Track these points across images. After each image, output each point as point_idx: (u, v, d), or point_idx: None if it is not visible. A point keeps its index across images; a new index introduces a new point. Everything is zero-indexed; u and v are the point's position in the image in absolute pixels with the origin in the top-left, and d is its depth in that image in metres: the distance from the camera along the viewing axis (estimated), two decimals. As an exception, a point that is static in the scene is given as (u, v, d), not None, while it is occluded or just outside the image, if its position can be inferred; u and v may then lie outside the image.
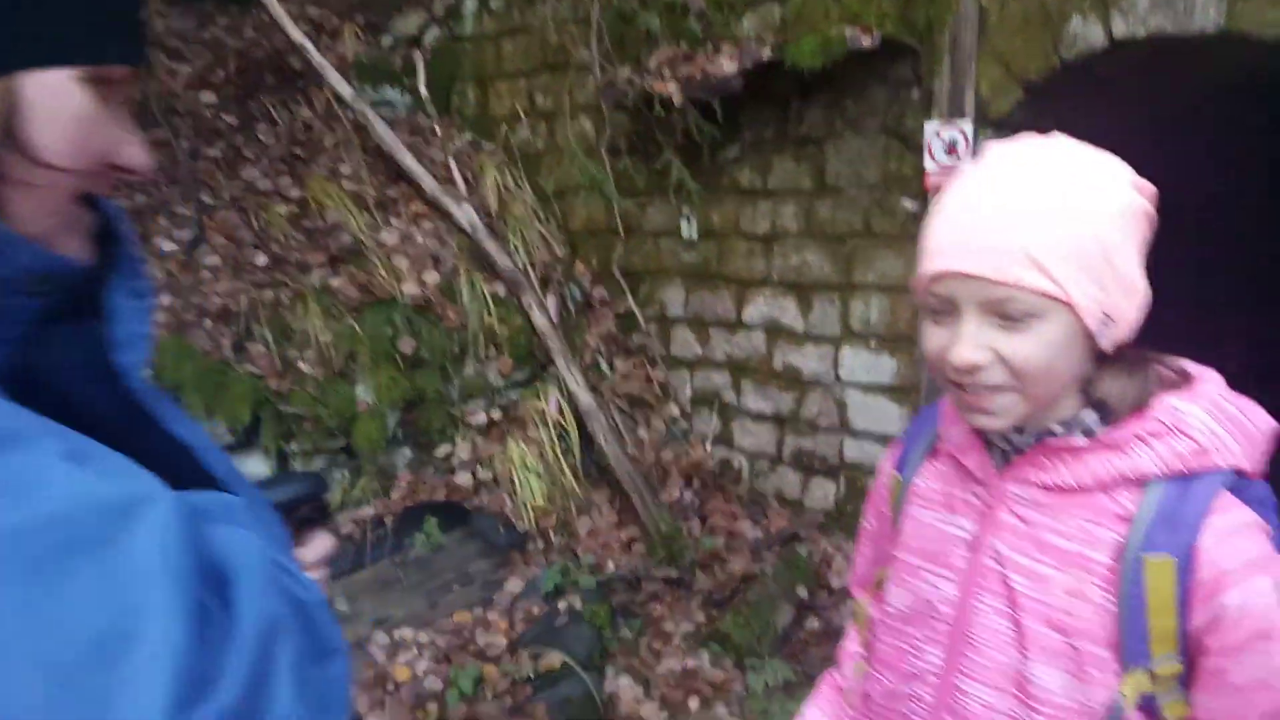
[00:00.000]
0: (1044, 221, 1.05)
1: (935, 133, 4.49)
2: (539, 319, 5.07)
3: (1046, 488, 1.18)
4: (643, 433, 5.38)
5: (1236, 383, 1.23)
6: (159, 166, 5.13)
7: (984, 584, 1.22)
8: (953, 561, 1.27)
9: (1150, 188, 1.15)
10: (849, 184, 4.88)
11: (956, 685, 1.23)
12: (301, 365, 4.67)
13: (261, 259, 5.02)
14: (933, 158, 4.53)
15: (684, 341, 5.70)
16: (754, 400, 5.47)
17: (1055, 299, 1.05)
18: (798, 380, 5.27)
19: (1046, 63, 4.24)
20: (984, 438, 1.26)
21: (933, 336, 1.17)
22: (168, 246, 4.90)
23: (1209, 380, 1.18)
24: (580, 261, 5.93)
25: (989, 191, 1.11)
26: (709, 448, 5.59)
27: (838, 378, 5.12)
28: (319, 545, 1.06)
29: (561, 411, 5.05)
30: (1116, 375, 1.15)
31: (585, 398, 4.96)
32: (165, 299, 4.62)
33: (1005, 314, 1.08)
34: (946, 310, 1.14)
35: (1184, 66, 5.02)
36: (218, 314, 4.68)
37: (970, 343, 1.10)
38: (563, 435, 5.06)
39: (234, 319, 4.70)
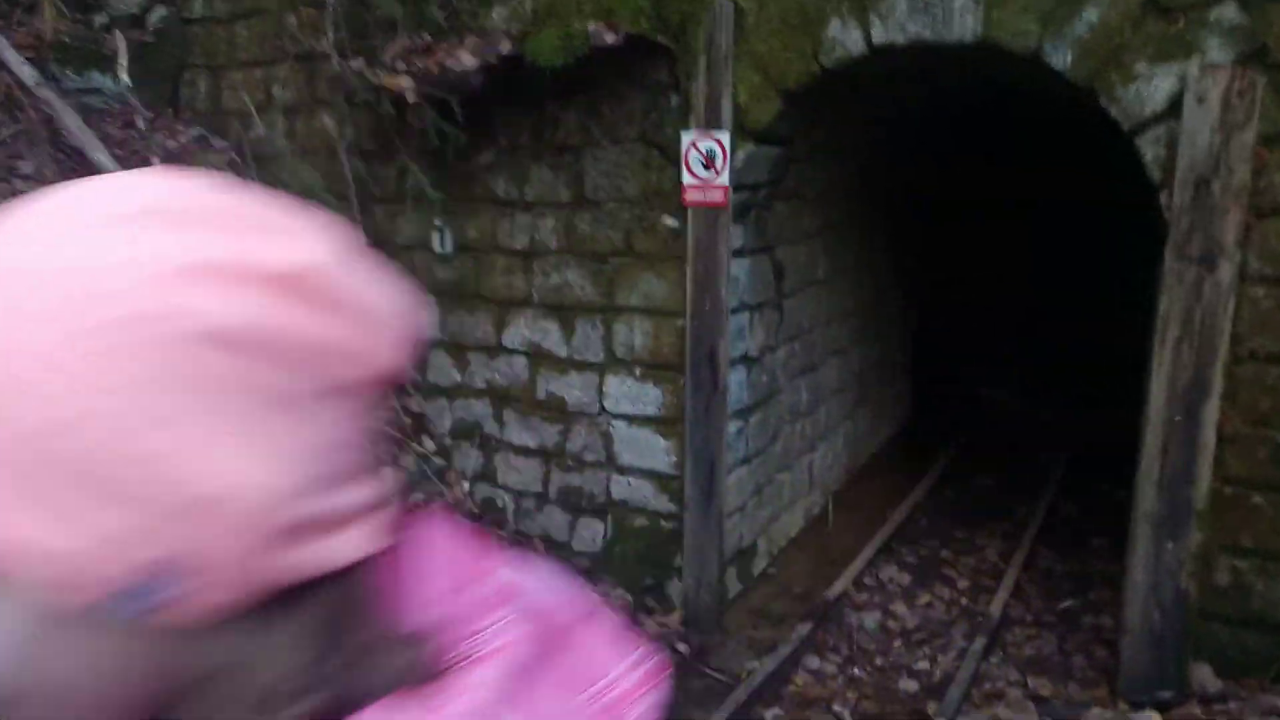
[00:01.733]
0: None
1: (692, 144, 4.09)
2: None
3: None
4: (391, 472, 4.75)
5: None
6: None
7: None
8: None
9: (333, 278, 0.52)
10: (608, 197, 4.43)
11: None
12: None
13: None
14: (690, 171, 4.12)
15: (441, 367, 5.11)
16: (518, 432, 4.94)
17: None
18: (563, 410, 4.78)
19: (806, 69, 3.90)
20: None
21: None
22: None
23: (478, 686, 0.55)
24: (327, 277, 5.24)
25: None
26: (468, 486, 5.03)
27: (603, 408, 4.66)
28: None
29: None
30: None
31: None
32: None
33: None
34: None
35: (950, 75, 4.82)
36: None
37: None
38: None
39: None
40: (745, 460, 4.75)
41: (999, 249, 8.46)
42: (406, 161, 4.52)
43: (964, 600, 4.80)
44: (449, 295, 4.99)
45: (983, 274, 8.56)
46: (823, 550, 5.46)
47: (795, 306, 5.21)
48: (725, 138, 4.01)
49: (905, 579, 5.02)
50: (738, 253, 4.41)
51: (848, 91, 4.39)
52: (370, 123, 4.86)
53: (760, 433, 4.89)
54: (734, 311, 4.42)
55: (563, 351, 4.71)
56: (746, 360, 4.65)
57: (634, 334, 4.49)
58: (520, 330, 4.81)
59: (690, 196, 4.14)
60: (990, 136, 7.97)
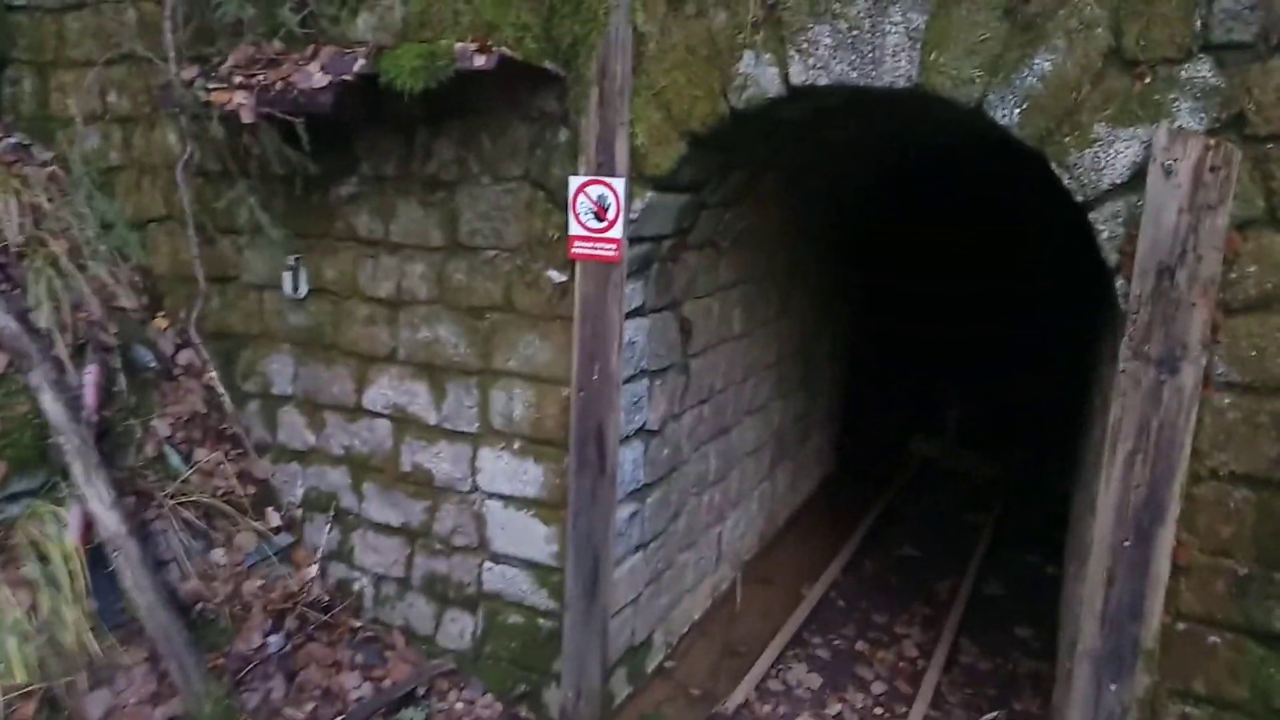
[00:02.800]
0: None
1: (581, 189, 3.48)
2: (50, 405, 3.63)
3: None
4: (221, 554, 4.04)
5: None
6: None
7: None
8: None
9: None
10: (487, 243, 3.79)
11: None
12: None
13: None
14: (579, 221, 3.51)
15: (293, 427, 4.41)
16: (379, 507, 4.26)
17: None
18: (430, 485, 4.12)
19: (714, 109, 3.33)
20: None
21: None
22: None
23: None
24: (165, 317, 4.50)
25: None
26: (320, 567, 4.33)
27: (476, 485, 4.01)
28: None
29: (90, 536, 3.63)
30: None
31: (110, 518, 3.57)
32: None
33: None
34: None
35: (886, 119, 4.31)
36: None
37: None
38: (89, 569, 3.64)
39: None
40: (640, 547, 4.15)
41: (936, 296, 8.04)
42: (243, 191, 3.81)
43: (878, 711, 4.26)
44: (303, 344, 4.29)
45: (918, 321, 8.12)
46: (728, 638, 4.88)
47: (705, 366, 4.63)
48: (619, 185, 3.41)
49: (815, 681, 4.46)
50: (635, 312, 3.81)
51: (765, 134, 3.84)
52: (217, 140, 4.14)
53: (659, 512, 4.29)
54: (629, 380, 3.82)
55: (431, 418, 4.05)
56: (644, 434, 4.05)
57: (513, 402, 3.86)
58: (383, 390, 4.13)
59: (578, 249, 3.53)
60: (934, 181, 7.56)
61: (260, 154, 3.67)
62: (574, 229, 3.52)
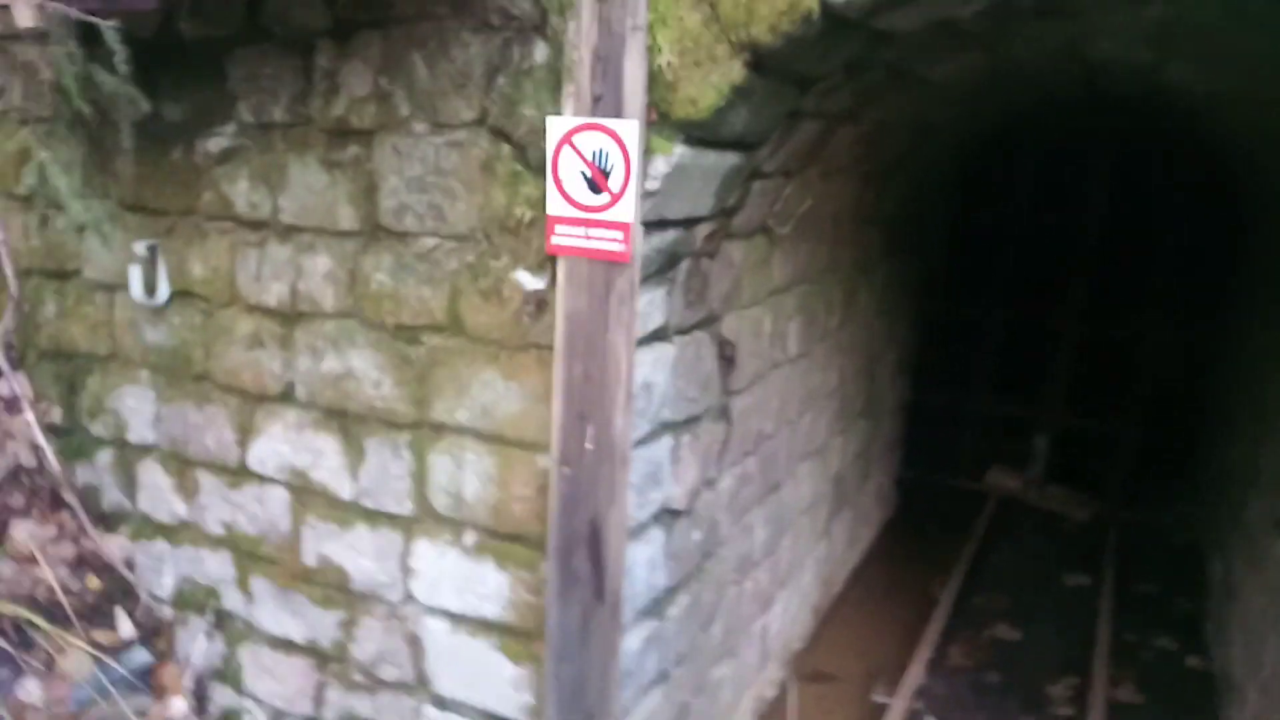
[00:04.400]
0: None
1: (566, 139, 2.10)
2: None
3: None
4: (35, 688, 2.70)
5: None
6: None
7: None
8: None
9: None
10: (422, 226, 2.42)
11: None
12: None
13: None
14: (564, 193, 2.13)
15: (157, 491, 3.06)
16: (275, 613, 2.91)
17: None
18: (344, 588, 2.76)
19: (795, 5, 1.94)
20: None
21: None
22: None
23: None
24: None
25: None
26: (195, 689, 3.00)
27: (410, 594, 2.66)
28: None
29: None
30: None
31: None
32: None
33: None
34: None
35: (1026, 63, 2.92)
36: None
37: None
38: None
39: None
40: (659, 681, 2.79)
41: (1030, 296, 6.57)
42: (31, 142, 2.46)
43: None
44: (166, 372, 2.94)
45: (1001, 327, 6.66)
46: (778, 780, 3.52)
47: (752, 405, 3.25)
48: (630, 133, 2.03)
49: None
50: (655, 337, 2.45)
51: (860, 62, 2.44)
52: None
53: (686, 625, 2.93)
54: (643, 442, 2.45)
55: (345, 489, 2.69)
56: (666, 517, 2.69)
57: (463, 474, 2.50)
58: (276, 444, 2.78)
59: (562, 239, 2.15)
60: (1049, 164, 6.13)
61: (61, 82, 2.30)
62: (556, 206, 2.14)
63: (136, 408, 3.02)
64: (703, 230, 2.58)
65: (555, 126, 2.11)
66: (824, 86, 2.55)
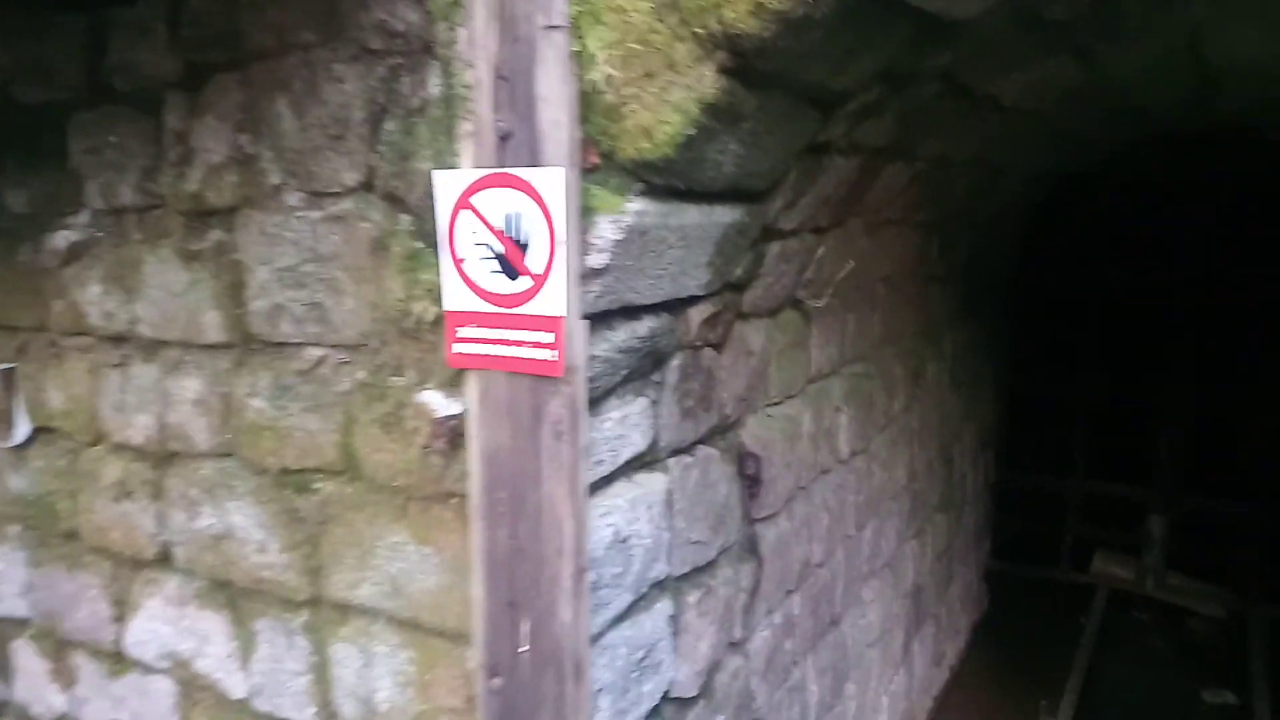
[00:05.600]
0: None
1: (463, 201, 1.42)
2: None
3: None
4: None
5: None
6: None
7: None
8: None
9: None
10: (303, 333, 1.76)
11: None
12: None
13: None
14: (464, 276, 1.45)
15: (33, 678, 2.41)
16: (169, 840, 2.21)
17: None
18: (246, 816, 2.05)
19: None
20: None
21: None
22: None
23: None
24: None
25: None
26: None
27: (322, 832, 1.93)
28: None
29: None
30: None
31: None
32: None
33: None
34: None
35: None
36: None
37: None
38: None
39: None
40: None
41: (1127, 363, 5.65)
42: None
43: None
44: (34, 528, 2.31)
45: (1095, 397, 5.74)
46: None
47: (790, 532, 2.49)
48: (553, 184, 1.34)
49: None
50: (632, 468, 1.73)
51: (903, 69, 1.74)
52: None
53: None
54: (616, 624, 1.72)
55: (236, 684, 2.00)
56: (669, 711, 1.93)
57: (373, 670, 1.79)
58: (156, 623, 2.11)
59: (465, 346, 1.46)
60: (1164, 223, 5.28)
61: None
62: (455, 297, 1.46)
63: (6, 572, 2.39)
64: (698, 314, 1.88)
65: (446, 184, 1.44)
66: (856, 108, 1.85)
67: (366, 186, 1.65)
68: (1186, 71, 2.59)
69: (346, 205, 1.68)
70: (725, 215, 1.74)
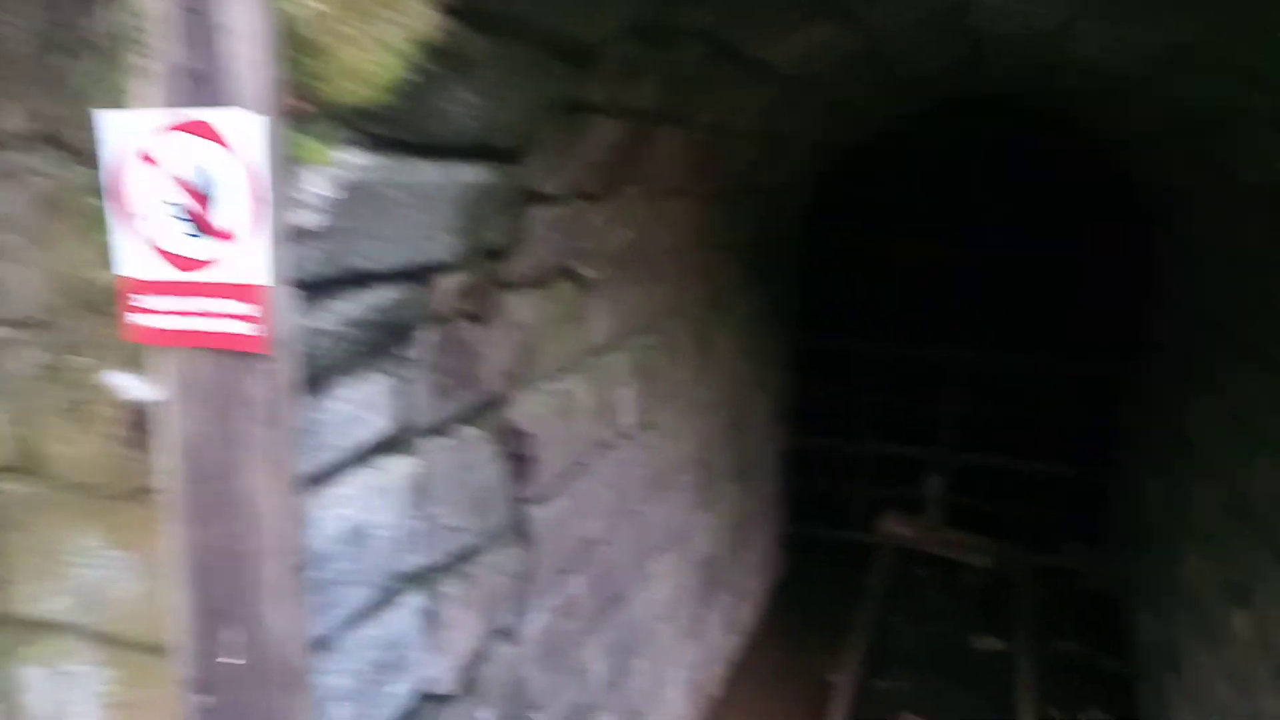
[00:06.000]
0: None
1: (137, 146, 1.21)
2: None
3: None
4: None
5: None
6: None
7: None
8: None
9: None
10: (-36, 305, 1.49)
11: None
12: None
13: None
14: (144, 237, 1.23)
15: None
16: None
17: None
18: None
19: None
20: None
21: None
22: None
23: None
24: None
25: None
26: None
27: None
28: None
29: None
30: None
31: None
32: None
33: None
34: None
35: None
36: None
37: None
38: None
39: None
40: None
41: (914, 326, 5.94)
42: None
43: None
44: None
45: (884, 361, 6.01)
46: None
47: (569, 511, 2.41)
48: (248, 129, 1.16)
49: None
50: (375, 453, 1.58)
51: (668, 9, 1.66)
52: None
53: (480, 847, 2.03)
54: (358, 619, 1.57)
55: (-92, 719, 1.70)
56: (425, 710, 1.80)
57: (71, 694, 1.56)
58: None
59: (148, 317, 1.26)
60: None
61: None
62: (133, 260, 1.26)
63: None
64: (450, 283, 1.74)
65: (117, 129, 1.23)
66: (616, 67, 1.75)
67: (39, 135, 1.40)
68: (954, 39, 2.68)
69: (15, 157, 1.42)
70: (470, 175, 1.61)
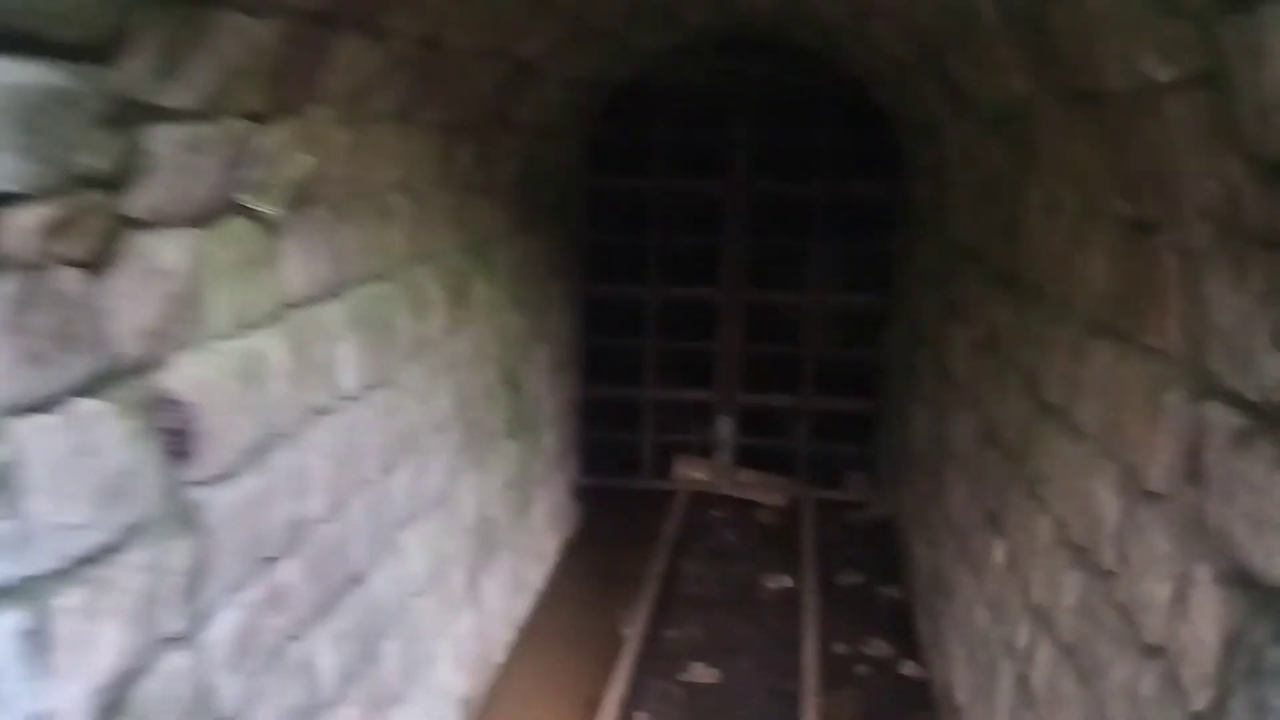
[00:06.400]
0: None
1: None
2: None
3: None
4: None
5: None
6: None
7: None
8: None
9: None
10: None
11: None
12: None
13: None
14: None
15: None
16: None
17: None
18: None
19: None
20: None
21: None
22: None
23: None
24: None
25: None
26: None
27: None
28: None
29: None
30: None
31: None
32: None
33: None
34: None
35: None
36: None
37: None
38: None
39: None
40: None
41: (687, 267, 5.82)
42: None
43: None
44: None
45: (663, 305, 5.88)
46: None
47: (265, 488, 2.08)
48: None
49: None
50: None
51: None
52: None
53: None
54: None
55: None
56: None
57: None
58: None
59: None
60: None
61: None
62: None
63: None
64: (30, 220, 1.36)
65: None
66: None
67: None
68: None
69: None
70: (27, 75, 1.23)
